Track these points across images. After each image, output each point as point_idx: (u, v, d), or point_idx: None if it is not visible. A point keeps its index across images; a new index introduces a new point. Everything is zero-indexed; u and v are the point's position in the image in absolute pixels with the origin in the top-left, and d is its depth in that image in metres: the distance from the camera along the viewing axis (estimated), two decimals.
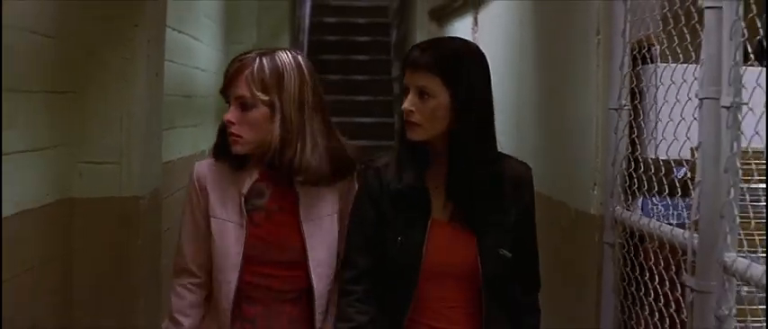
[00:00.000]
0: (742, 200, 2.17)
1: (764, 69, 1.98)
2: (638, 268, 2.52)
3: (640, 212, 2.58)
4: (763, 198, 2.34)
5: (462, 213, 1.94)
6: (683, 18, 2.27)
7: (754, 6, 1.90)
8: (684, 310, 2.15)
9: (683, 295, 2.17)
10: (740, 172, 1.90)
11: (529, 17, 3.98)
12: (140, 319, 2.98)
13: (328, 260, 2.02)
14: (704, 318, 1.98)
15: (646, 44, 2.61)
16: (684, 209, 2.43)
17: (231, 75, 1.94)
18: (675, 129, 2.27)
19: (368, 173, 2.00)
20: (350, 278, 1.99)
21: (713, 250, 1.95)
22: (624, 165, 2.63)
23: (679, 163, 2.42)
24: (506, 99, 3.85)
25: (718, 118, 1.95)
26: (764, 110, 1.80)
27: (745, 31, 1.88)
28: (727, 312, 1.93)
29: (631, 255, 2.58)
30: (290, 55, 1.97)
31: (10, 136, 2.29)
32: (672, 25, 2.36)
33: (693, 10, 2.21)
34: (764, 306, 2.33)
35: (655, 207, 2.53)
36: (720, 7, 1.96)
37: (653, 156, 2.53)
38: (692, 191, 2.17)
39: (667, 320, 2.29)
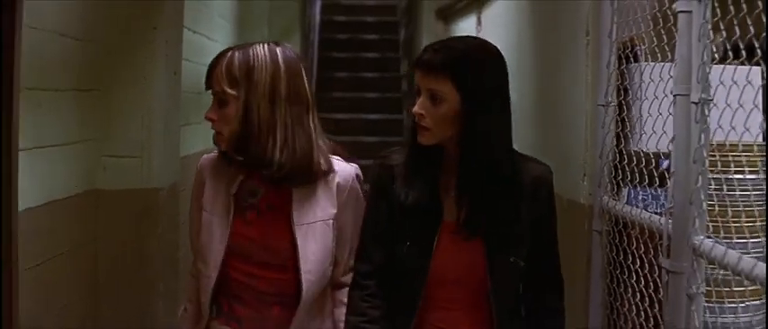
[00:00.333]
0: (720, 190, 2.35)
1: (730, 67, 2.14)
2: (622, 253, 2.69)
3: (626, 201, 2.76)
4: (740, 188, 2.52)
5: (473, 219, 1.87)
6: (661, 21, 2.45)
7: (731, 8, 2.01)
8: (661, 290, 2.33)
9: (659, 276, 2.34)
10: (707, 162, 2.07)
11: (526, 17, 4.16)
12: (159, 302, 3.18)
13: (319, 266, 1.95)
14: (677, 296, 2.13)
15: (630, 44, 2.78)
16: (665, 199, 2.60)
17: (208, 72, 1.90)
18: (653, 124, 2.44)
19: (381, 171, 1.95)
20: (364, 272, 1.95)
21: (684, 234, 2.11)
22: (611, 158, 2.79)
23: (665, 155, 2.59)
24: None
25: (689, 113, 2.10)
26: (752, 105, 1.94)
27: (724, 31, 1.98)
28: (696, 290, 2.10)
29: (617, 242, 2.75)
30: (265, 47, 1.89)
31: (42, 131, 2.49)
32: (652, 27, 2.53)
33: (670, 13, 2.38)
34: (739, 289, 2.53)
35: (640, 196, 2.70)
36: (690, 11, 2.12)
37: (638, 149, 2.69)
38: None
39: (647, 300, 2.44)
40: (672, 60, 2.37)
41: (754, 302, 2.59)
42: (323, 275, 1.96)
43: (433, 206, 1.87)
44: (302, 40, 8.19)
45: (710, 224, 2.30)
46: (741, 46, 1.90)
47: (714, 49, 2.05)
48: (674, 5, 2.28)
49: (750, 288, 2.49)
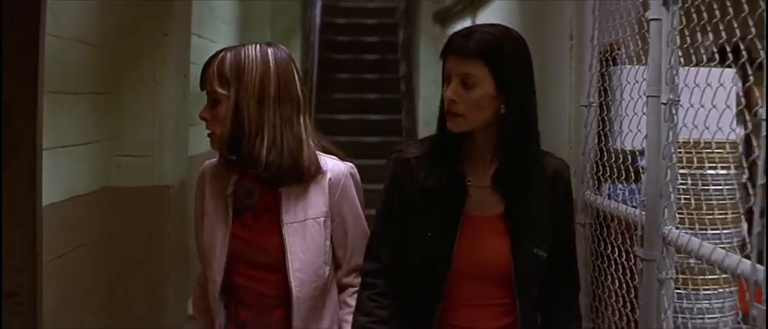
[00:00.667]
0: (696, 186, 2.52)
1: (704, 70, 2.29)
2: (603, 244, 2.87)
3: (607, 196, 2.94)
4: (713, 183, 2.69)
5: (497, 209, 1.83)
6: (636, 27, 2.63)
7: (705, 14, 2.08)
8: (636, 276, 2.51)
9: (635, 264, 2.50)
10: (675, 158, 2.23)
11: (516, 22, 4.34)
12: (169, 290, 3.37)
13: (311, 265, 1.93)
14: (650, 282, 2.29)
15: (611, 49, 2.96)
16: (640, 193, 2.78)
17: (202, 72, 1.91)
18: (630, 123, 2.62)
19: (397, 165, 1.89)
20: (372, 271, 1.91)
21: (655, 224, 2.27)
22: (593, 155, 2.95)
23: (641, 152, 2.76)
24: None
25: (659, 113, 2.27)
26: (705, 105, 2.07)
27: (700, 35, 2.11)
28: (665, 275, 2.27)
29: (598, 233, 2.93)
30: (257, 48, 1.90)
31: (63, 132, 2.68)
32: (628, 33, 2.72)
33: (644, 20, 2.57)
34: (713, 277, 2.71)
35: (619, 191, 2.87)
36: (660, 19, 2.28)
37: (617, 147, 2.85)
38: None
39: (625, 286, 2.61)
40: (647, 64, 2.56)
41: (727, 289, 2.77)
42: (315, 274, 1.94)
43: (457, 193, 1.81)
44: (303, 42, 8.32)
45: (687, 217, 2.48)
46: (714, 50, 1.98)
47: (702, 51, 2.13)
48: (646, 13, 2.47)
49: (723, 276, 2.67)
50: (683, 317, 2.52)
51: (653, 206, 2.30)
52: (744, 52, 1.76)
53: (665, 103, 2.25)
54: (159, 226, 3.34)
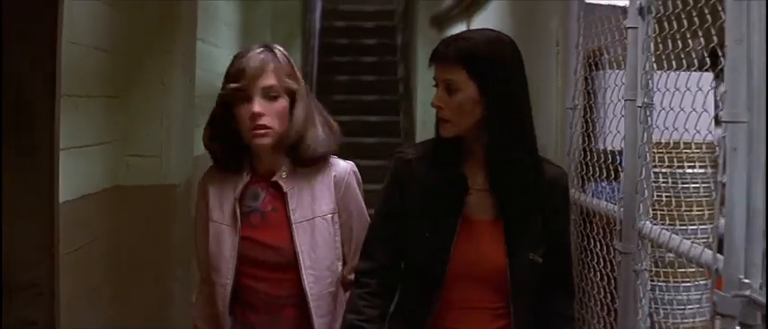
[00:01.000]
0: (675, 185, 2.66)
1: (684, 74, 2.37)
2: (587, 239, 3.02)
3: (591, 194, 3.09)
4: (692, 181, 2.84)
5: (494, 213, 1.86)
6: (616, 34, 2.79)
7: (685, 21, 2.15)
8: (615, 268, 2.65)
9: (614, 257, 2.65)
10: (649, 157, 2.34)
11: (507, 28, 4.50)
12: (176, 285, 3.51)
13: (324, 261, 1.96)
14: (627, 273, 2.44)
15: (593, 54, 3.12)
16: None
17: (261, 70, 1.93)
18: (610, 125, 2.77)
19: (398, 164, 1.91)
20: (365, 269, 1.92)
21: (632, 219, 2.41)
22: (578, 155, 3.10)
23: (621, 153, 2.89)
24: None
25: (635, 115, 2.42)
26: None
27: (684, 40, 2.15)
28: (641, 267, 2.40)
29: (582, 229, 3.09)
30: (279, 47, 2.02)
31: (78, 133, 2.83)
32: (609, 40, 2.87)
33: (623, 28, 2.72)
34: (692, 270, 2.85)
35: (601, 189, 3.02)
36: (637, 27, 2.42)
37: (600, 147, 2.98)
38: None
39: (606, 278, 2.77)
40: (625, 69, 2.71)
41: (703, 282, 2.93)
42: (328, 270, 1.98)
43: (457, 194, 1.84)
44: (303, 45, 8.42)
45: (667, 214, 2.62)
46: (705, 54, 2.00)
47: (693, 55, 2.19)
48: (624, 22, 2.63)
49: (700, 269, 2.81)
50: (663, 309, 2.67)
51: (630, 202, 2.43)
52: (722, 58, 1.84)
53: (640, 106, 2.39)
54: (166, 223, 3.48)
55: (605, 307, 2.79)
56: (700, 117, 2.02)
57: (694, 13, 2.02)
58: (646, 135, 2.37)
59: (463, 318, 1.87)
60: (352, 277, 2.03)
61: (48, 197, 2.53)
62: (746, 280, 1.60)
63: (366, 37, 9.80)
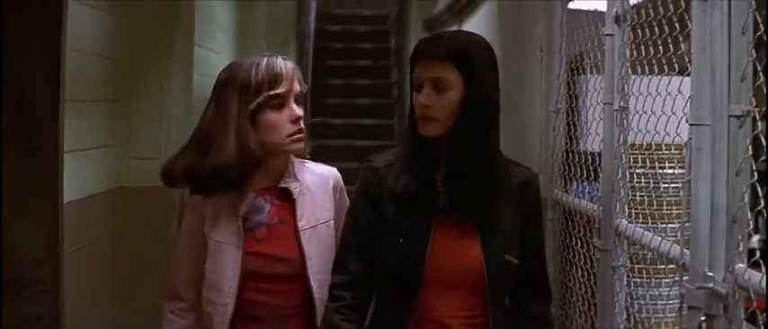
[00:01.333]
0: (651, 185, 2.76)
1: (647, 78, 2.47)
2: (569, 237, 3.14)
3: (574, 194, 3.21)
4: (671, 181, 2.95)
5: (467, 217, 1.83)
6: (596, 40, 2.91)
7: (666, 27, 2.19)
8: (595, 265, 2.77)
9: (594, 254, 2.76)
10: (625, 158, 2.45)
11: (494, 34, 4.61)
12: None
13: (327, 266, 1.95)
14: (606, 269, 2.55)
15: (575, 59, 3.24)
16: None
17: (293, 74, 1.96)
18: (590, 127, 2.89)
19: (367, 173, 1.89)
20: (339, 282, 1.88)
21: (610, 218, 2.52)
22: (561, 157, 3.21)
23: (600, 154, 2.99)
24: None
25: (612, 118, 2.53)
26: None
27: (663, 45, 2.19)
28: (618, 263, 2.51)
29: (565, 228, 3.20)
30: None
31: (81, 136, 2.95)
32: (590, 46, 3.00)
33: (603, 34, 2.83)
34: (664, 266, 2.96)
35: (583, 190, 3.14)
36: (613, 34, 2.53)
37: (582, 149, 3.09)
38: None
39: (586, 275, 2.89)
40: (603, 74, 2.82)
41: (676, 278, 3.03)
42: (329, 275, 1.95)
43: (427, 197, 1.81)
44: (298, 49, 8.49)
45: (646, 213, 2.71)
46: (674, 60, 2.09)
47: (674, 59, 2.18)
48: (602, 29, 2.74)
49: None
50: (637, 303, 2.78)
51: (607, 201, 2.54)
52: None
53: (616, 110, 2.51)
54: (166, 224, 3.58)
55: (586, 302, 2.90)
56: (680, 120, 2.04)
57: (665, 22, 2.10)
58: (622, 137, 2.48)
59: (441, 322, 1.85)
60: None
61: (52, 197, 2.62)
62: (710, 273, 1.70)
63: (360, 41, 9.88)
